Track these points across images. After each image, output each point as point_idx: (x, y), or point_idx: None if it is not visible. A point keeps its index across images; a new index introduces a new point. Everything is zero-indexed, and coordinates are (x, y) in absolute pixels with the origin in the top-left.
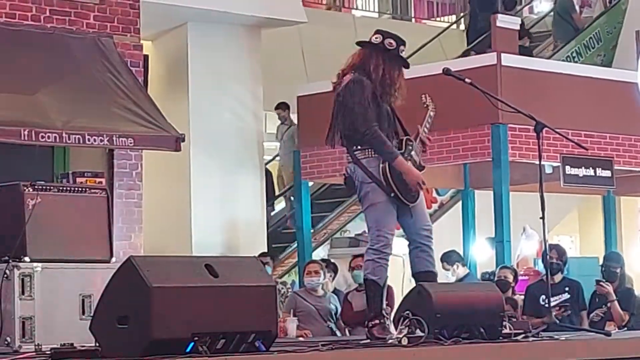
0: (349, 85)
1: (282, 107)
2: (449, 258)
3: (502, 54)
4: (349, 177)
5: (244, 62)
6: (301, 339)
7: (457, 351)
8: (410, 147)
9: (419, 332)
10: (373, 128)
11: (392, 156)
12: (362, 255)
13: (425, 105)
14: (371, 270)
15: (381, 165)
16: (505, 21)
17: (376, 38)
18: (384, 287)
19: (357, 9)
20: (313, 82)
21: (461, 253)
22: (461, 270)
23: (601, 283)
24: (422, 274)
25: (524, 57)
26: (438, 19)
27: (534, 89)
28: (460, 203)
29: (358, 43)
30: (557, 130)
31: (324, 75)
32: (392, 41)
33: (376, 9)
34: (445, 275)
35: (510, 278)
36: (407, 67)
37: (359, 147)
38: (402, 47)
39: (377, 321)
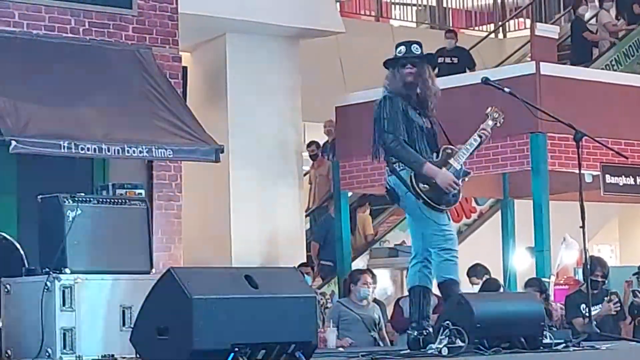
0: (379, 101)
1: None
2: (476, 272)
3: (541, 63)
4: (391, 189)
5: (283, 73)
6: (341, 349)
7: None
8: (448, 154)
9: (459, 342)
10: (398, 139)
11: (418, 164)
12: None
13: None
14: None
15: (410, 174)
16: (544, 30)
17: (399, 52)
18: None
19: (395, 18)
20: (351, 92)
21: (500, 263)
22: None
23: (637, 293)
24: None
25: (563, 66)
26: (476, 28)
27: (573, 98)
28: (499, 212)
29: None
30: (597, 138)
31: (362, 86)
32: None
33: (414, 19)
34: (476, 290)
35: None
36: (431, 64)
37: (393, 159)
38: (400, 47)
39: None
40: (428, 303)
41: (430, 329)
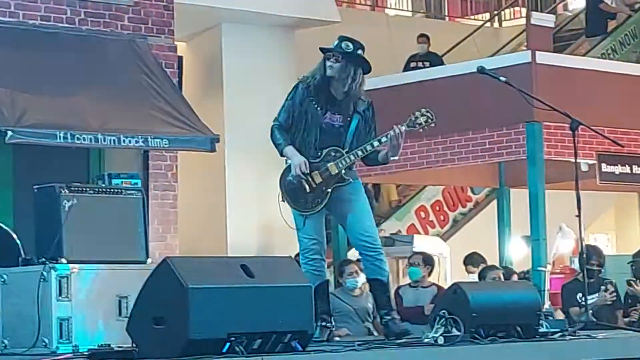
0: None
1: None
2: (473, 260)
3: (537, 52)
4: None
5: (279, 63)
6: (337, 338)
7: (494, 350)
8: (331, 157)
9: (455, 332)
10: (275, 123)
11: (281, 146)
12: (420, 253)
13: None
14: None
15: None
16: (540, 19)
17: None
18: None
19: (390, 7)
20: None
21: (497, 252)
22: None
23: (631, 282)
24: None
25: (558, 55)
26: (472, 17)
27: (569, 87)
28: (495, 202)
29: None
30: (593, 127)
31: None
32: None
33: (410, 8)
34: (472, 279)
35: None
36: (363, 68)
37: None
38: (335, 41)
39: None
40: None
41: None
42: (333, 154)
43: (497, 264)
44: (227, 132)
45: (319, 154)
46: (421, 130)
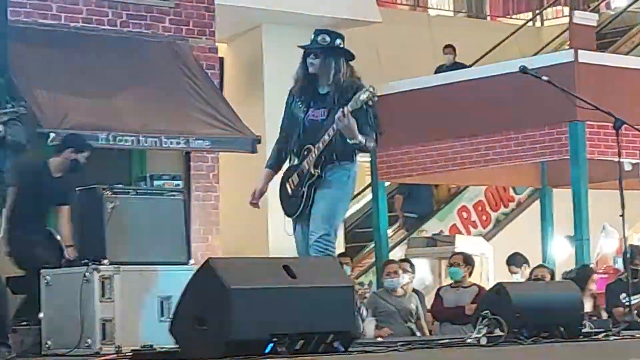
0: None
1: None
2: (515, 261)
3: (579, 51)
4: None
5: None
6: (379, 339)
7: (537, 350)
8: (304, 156)
9: (498, 332)
10: (278, 136)
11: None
12: (461, 253)
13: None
14: None
15: None
16: (582, 17)
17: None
18: None
19: (432, 8)
20: (388, 82)
21: (540, 252)
22: (528, 272)
23: None
24: None
25: (601, 54)
26: (514, 16)
27: (612, 86)
28: (538, 201)
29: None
30: (637, 126)
31: (400, 75)
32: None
33: (451, 8)
34: (516, 279)
35: (548, 277)
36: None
37: None
38: (312, 36)
39: None
40: None
41: None
42: (306, 152)
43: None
44: (268, 133)
45: (302, 153)
46: (365, 106)
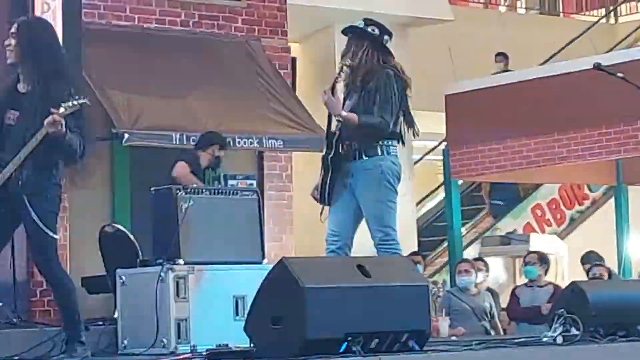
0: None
1: None
2: (590, 259)
3: None
4: None
5: None
6: (454, 338)
7: (614, 349)
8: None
9: (574, 331)
10: None
11: None
12: (536, 252)
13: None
14: None
15: None
16: None
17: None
18: None
19: (504, 5)
20: (461, 80)
21: (614, 250)
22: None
23: None
24: None
25: None
26: (587, 13)
27: None
28: (612, 199)
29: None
30: None
31: (472, 73)
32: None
33: (524, 5)
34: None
35: (606, 276)
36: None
37: None
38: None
39: None
40: None
41: None
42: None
43: (616, 263)
44: None
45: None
46: (339, 78)
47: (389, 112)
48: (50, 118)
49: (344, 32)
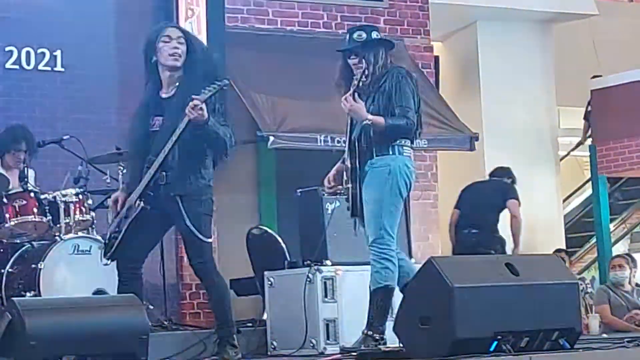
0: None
1: None
2: None
3: None
4: None
5: (536, 58)
6: (605, 335)
7: None
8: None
9: None
10: None
11: None
12: None
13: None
14: None
15: None
16: None
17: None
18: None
19: None
20: (606, 75)
21: None
22: None
23: None
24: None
25: None
26: None
27: None
28: None
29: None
30: None
31: (618, 68)
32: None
33: None
34: None
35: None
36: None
37: None
38: (346, 36)
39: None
40: None
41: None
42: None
43: None
44: (485, 130)
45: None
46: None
47: (412, 112)
48: (191, 103)
49: (348, 51)
